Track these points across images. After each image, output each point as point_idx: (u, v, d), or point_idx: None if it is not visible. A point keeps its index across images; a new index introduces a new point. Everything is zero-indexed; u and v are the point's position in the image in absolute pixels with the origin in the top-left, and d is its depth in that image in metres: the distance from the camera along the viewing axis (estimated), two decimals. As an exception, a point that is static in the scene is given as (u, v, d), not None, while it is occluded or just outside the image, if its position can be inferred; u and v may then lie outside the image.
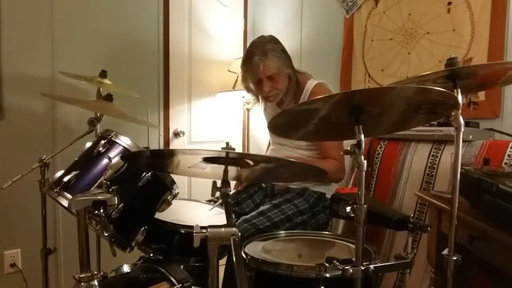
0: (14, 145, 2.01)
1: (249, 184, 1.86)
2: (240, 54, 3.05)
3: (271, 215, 1.58)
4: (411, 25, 2.11)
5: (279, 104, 1.85)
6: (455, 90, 1.03)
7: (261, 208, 1.64)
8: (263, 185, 1.88)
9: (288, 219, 1.61)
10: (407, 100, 0.97)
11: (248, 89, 1.84)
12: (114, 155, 1.33)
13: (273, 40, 1.74)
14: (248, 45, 3.02)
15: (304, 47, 2.69)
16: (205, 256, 0.87)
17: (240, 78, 1.85)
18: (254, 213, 1.60)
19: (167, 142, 2.70)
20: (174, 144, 2.73)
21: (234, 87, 2.67)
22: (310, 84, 1.77)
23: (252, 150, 2.95)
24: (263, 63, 1.67)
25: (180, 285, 1.26)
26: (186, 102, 2.80)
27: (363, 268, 0.97)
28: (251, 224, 1.52)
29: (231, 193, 1.10)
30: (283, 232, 1.50)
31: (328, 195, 1.73)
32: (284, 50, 1.74)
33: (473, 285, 1.45)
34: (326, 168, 1.64)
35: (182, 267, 1.36)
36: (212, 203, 1.72)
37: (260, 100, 1.88)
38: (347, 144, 0.98)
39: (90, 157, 1.34)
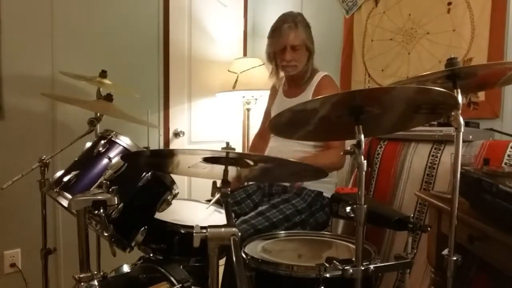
0: (14, 145, 2.01)
1: (237, 188, 1.87)
2: (240, 54, 3.06)
3: (269, 215, 1.59)
4: (411, 25, 2.11)
5: (287, 92, 1.91)
6: (455, 90, 1.03)
7: (260, 208, 1.65)
8: (261, 184, 1.88)
9: (287, 219, 1.61)
10: (407, 100, 0.97)
11: (270, 59, 1.90)
12: (114, 155, 1.33)
13: (300, 15, 1.83)
14: (248, 44, 3.04)
15: (304, 47, 2.68)
16: (205, 256, 0.87)
17: (265, 48, 1.91)
18: (252, 213, 1.60)
19: (167, 142, 2.69)
20: (174, 144, 2.73)
21: (234, 87, 2.67)
22: (319, 75, 1.82)
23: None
24: (292, 31, 1.75)
25: (180, 285, 1.26)
26: (186, 102, 2.80)
27: (363, 268, 0.97)
28: (250, 225, 1.52)
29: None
30: (283, 232, 1.50)
31: (326, 194, 1.74)
32: (309, 27, 1.83)
33: (473, 285, 1.45)
34: (328, 159, 1.68)
35: (182, 267, 1.36)
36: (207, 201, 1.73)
37: (276, 73, 1.94)
38: (347, 144, 0.98)
39: (90, 157, 1.34)
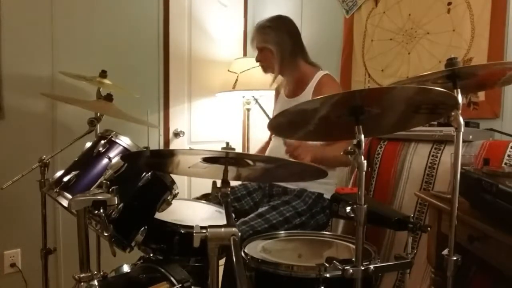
0: (14, 145, 2.01)
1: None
2: (240, 54, 3.06)
3: (269, 217, 1.59)
4: (411, 25, 2.11)
5: (288, 93, 1.93)
6: (455, 90, 1.03)
7: (260, 210, 1.65)
8: (261, 184, 1.89)
9: (287, 221, 1.61)
10: (407, 100, 0.97)
11: None
12: (114, 155, 1.33)
13: (269, 19, 1.89)
14: (248, 44, 3.05)
15: (304, 47, 2.68)
16: (205, 256, 0.87)
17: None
18: (252, 215, 1.60)
19: (167, 142, 2.69)
20: (174, 144, 2.73)
21: (234, 87, 2.67)
22: (319, 74, 1.82)
23: (252, 150, 2.95)
24: (251, 35, 1.93)
25: (180, 285, 1.26)
26: (186, 102, 2.80)
27: (363, 268, 0.97)
28: (249, 226, 1.52)
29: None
30: (283, 232, 1.50)
31: (326, 195, 1.73)
32: (271, 28, 1.85)
33: (473, 285, 1.45)
34: (338, 150, 1.66)
35: (182, 267, 1.36)
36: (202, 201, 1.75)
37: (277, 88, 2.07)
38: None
39: (90, 157, 1.34)
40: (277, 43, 1.82)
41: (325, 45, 2.57)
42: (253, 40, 1.91)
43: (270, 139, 2.13)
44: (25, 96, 2.05)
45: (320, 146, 1.74)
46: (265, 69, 1.93)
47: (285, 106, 0.96)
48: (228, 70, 2.76)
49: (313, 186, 1.74)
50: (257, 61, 1.93)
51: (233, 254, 0.83)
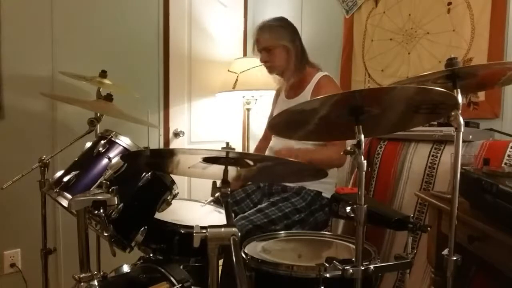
0: (14, 145, 2.01)
1: (237, 188, 1.90)
2: (240, 54, 3.06)
3: (268, 212, 1.59)
4: (411, 25, 2.11)
5: (288, 94, 1.94)
6: (455, 90, 1.03)
7: (259, 206, 1.65)
8: (261, 184, 1.89)
9: (286, 217, 1.61)
10: (407, 100, 0.97)
11: None
12: (114, 155, 1.33)
13: (276, 19, 1.87)
14: (248, 44, 3.06)
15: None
16: (205, 256, 0.87)
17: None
18: (251, 211, 1.61)
19: (167, 142, 2.70)
20: (174, 144, 2.73)
21: (234, 87, 2.67)
22: (318, 76, 1.83)
23: (252, 150, 2.95)
24: (259, 35, 1.86)
25: (180, 285, 1.26)
26: (186, 102, 2.80)
27: (363, 268, 0.97)
28: (249, 221, 1.52)
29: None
30: (283, 232, 1.50)
31: (325, 194, 1.74)
32: (283, 27, 1.85)
33: (473, 285, 1.45)
34: (325, 154, 1.70)
35: (182, 267, 1.36)
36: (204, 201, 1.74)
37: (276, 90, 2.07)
38: (348, 143, 0.98)
39: (90, 157, 1.34)
40: (292, 41, 1.82)
41: (325, 45, 2.57)
42: (259, 40, 1.85)
43: (264, 138, 2.14)
44: (25, 96, 2.05)
45: (310, 149, 1.75)
46: (272, 69, 1.89)
47: (284, 107, 0.96)
48: (228, 70, 2.76)
49: (312, 185, 1.74)
50: (263, 61, 1.88)
51: (233, 254, 0.83)
